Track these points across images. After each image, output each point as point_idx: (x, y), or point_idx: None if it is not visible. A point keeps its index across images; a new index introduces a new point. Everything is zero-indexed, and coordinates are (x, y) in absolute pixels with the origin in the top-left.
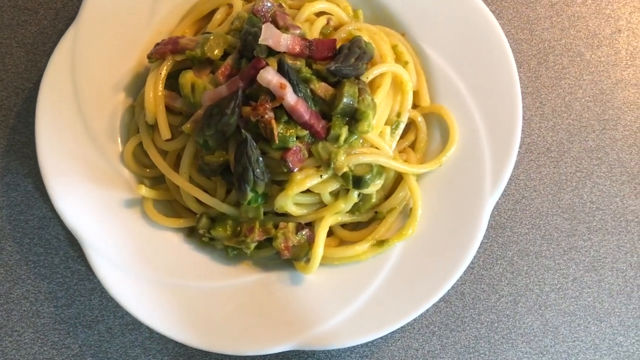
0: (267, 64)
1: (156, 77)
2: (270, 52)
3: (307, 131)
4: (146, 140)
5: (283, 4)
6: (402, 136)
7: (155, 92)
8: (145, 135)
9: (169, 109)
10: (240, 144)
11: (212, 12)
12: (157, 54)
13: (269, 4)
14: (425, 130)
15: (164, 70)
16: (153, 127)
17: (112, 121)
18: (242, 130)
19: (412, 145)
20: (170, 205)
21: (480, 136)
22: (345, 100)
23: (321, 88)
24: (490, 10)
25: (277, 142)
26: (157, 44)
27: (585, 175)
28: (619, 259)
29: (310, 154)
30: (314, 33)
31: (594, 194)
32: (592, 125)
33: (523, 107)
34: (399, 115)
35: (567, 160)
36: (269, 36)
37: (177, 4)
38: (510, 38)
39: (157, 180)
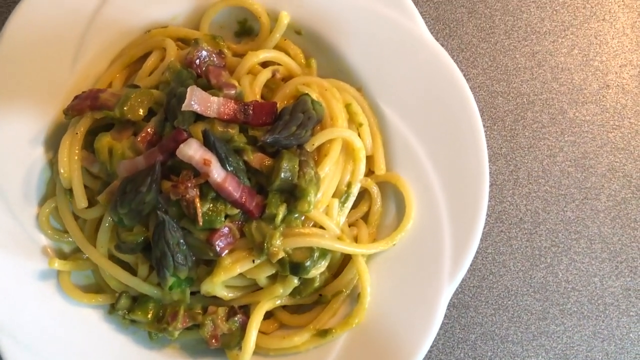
0: (190, 136)
1: (72, 137)
2: (199, 116)
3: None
4: (62, 205)
5: (225, 50)
6: (354, 206)
7: (70, 154)
8: (62, 199)
9: (89, 171)
10: (158, 225)
11: (148, 55)
12: (74, 110)
13: (204, 53)
14: (379, 202)
15: (81, 130)
16: (71, 190)
17: (28, 179)
18: (159, 212)
19: (365, 217)
20: (94, 274)
21: (440, 213)
22: (283, 175)
23: (256, 159)
24: (464, 57)
25: (201, 224)
26: (76, 97)
27: (562, 251)
28: (595, 347)
29: (243, 234)
30: (255, 89)
31: (570, 272)
32: (572, 194)
33: (495, 170)
34: (349, 186)
35: (542, 232)
36: (195, 101)
37: (106, 45)
38: (484, 90)
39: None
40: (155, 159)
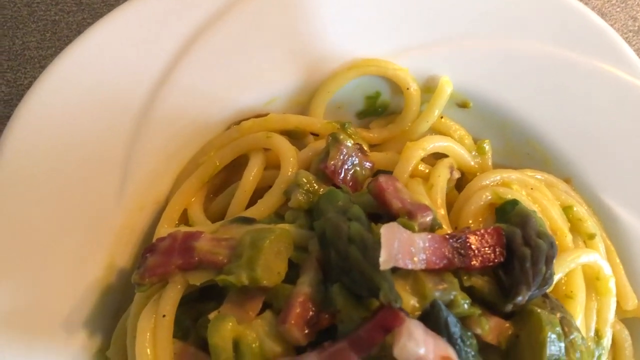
0: (406, 316)
1: (156, 323)
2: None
3: None
4: None
5: (362, 145)
6: None
7: (157, 353)
8: None
9: None
10: None
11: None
12: (153, 276)
13: (349, 148)
14: (629, 353)
15: (168, 310)
16: None
17: None
18: None
19: None
20: None
21: None
22: (549, 352)
23: (493, 329)
24: None
25: None
26: (150, 250)
27: None
28: None
29: None
30: (438, 202)
31: None
32: None
33: None
34: (598, 335)
35: None
36: (397, 250)
37: (168, 151)
38: None
39: None
40: None
